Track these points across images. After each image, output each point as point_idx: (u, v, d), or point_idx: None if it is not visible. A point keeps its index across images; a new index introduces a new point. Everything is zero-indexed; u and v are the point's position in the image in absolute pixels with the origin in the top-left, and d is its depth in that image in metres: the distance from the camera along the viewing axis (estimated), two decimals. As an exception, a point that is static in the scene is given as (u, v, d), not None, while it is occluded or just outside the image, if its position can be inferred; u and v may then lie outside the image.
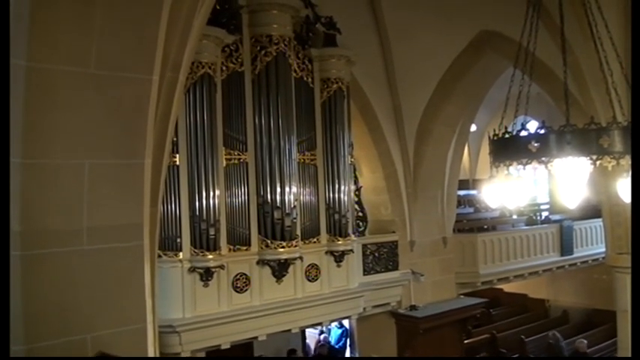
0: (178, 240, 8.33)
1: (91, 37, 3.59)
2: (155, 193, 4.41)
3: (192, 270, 8.41)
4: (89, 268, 3.82)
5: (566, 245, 15.48)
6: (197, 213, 8.38)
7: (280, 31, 9.17)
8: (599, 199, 10.00)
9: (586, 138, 4.91)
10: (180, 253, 8.35)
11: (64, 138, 3.66)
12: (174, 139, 8.08)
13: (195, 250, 8.38)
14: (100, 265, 3.87)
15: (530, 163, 5.15)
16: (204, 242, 8.39)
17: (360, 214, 11.26)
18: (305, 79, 9.90)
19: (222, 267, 8.67)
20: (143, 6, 3.74)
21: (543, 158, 5.04)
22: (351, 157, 10.54)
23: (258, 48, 9.11)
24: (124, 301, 4.01)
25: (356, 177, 11.13)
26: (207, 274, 8.48)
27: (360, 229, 11.19)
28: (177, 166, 8.35)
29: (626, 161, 5.33)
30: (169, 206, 8.25)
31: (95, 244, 3.84)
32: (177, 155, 8.35)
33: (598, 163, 5.10)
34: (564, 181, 5.33)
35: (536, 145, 4.95)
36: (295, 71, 9.66)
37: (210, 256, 8.45)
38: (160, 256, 7.80)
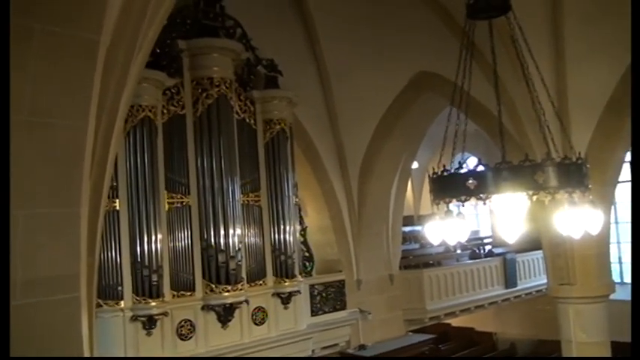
0: (119, 288, 8.11)
1: (24, 84, 3.51)
2: (92, 242, 4.28)
3: (134, 319, 8.17)
4: (22, 324, 3.65)
5: (510, 278, 15.75)
6: (139, 259, 8.19)
7: (221, 74, 9.20)
8: (538, 232, 10.23)
9: (521, 174, 5.03)
10: (122, 302, 8.13)
11: (-6, 188, 3.52)
12: (114, 183, 7.93)
13: (138, 298, 8.17)
14: (35, 320, 3.70)
15: (468, 199, 5.24)
16: (146, 289, 8.19)
17: (307, 254, 11.21)
18: (247, 120, 9.92)
19: (165, 314, 8.46)
20: (78, 53, 3.68)
21: (481, 195, 5.14)
22: (296, 197, 10.56)
23: (200, 90, 9.11)
24: (61, 357, 3.84)
25: (301, 217, 11.10)
26: (150, 323, 8.25)
27: (307, 270, 11.12)
28: (117, 212, 8.18)
29: (562, 195, 5.50)
30: (109, 253, 8.05)
31: (29, 297, 3.68)
32: (117, 200, 8.19)
33: (534, 197, 5.23)
34: (503, 216, 5.44)
35: (473, 182, 5.04)
36: (237, 113, 9.68)
37: (153, 304, 8.24)
38: (100, 305, 7.56)
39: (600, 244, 9.43)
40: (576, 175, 5.32)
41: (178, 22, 9.14)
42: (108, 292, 8.03)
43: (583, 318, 9.79)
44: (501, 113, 5.90)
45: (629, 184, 7.38)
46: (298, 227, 10.62)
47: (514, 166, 5.10)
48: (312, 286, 11.20)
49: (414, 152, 14.31)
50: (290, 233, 10.00)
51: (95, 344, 4.36)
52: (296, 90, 10.48)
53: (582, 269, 9.74)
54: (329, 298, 11.48)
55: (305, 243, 11.17)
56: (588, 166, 5.53)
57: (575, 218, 5.88)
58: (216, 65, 9.18)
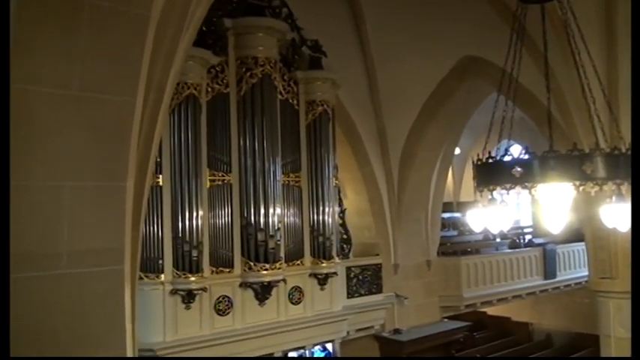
0: (160, 262, 8.24)
1: (74, 58, 3.55)
2: (137, 216, 4.34)
3: (174, 292, 8.31)
4: (67, 293, 3.73)
5: (549, 269, 15.52)
6: (180, 234, 8.31)
7: (266, 54, 9.20)
8: (581, 224, 10.03)
9: (569, 164, 4.94)
10: (162, 275, 8.27)
11: (45, 160, 3.60)
12: (158, 159, 8.03)
13: (178, 272, 8.30)
14: (79, 290, 3.78)
15: (513, 188, 5.17)
16: (186, 264, 8.31)
17: (345, 236, 11.22)
18: (290, 101, 9.92)
19: (204, 289, 8.58)
20: (128, 28, 3.71)
21: (527, 183, 5.06)
22: (336, 179, 10.54)
23: (244, 69, 9.13)
24: (103, 327, 3.92)
25: (340, 199, 11.10)
26: (189, 297, 8.39)
27: (344, 252, 11.14)
28: (161, 187, 8.29)
29: (609, 187, 5.37)
30: (152, 227, 8.17)
31: (74, 268, 3.75)
32: (161, 176, 8.30)
33: (581, 188, 5.12)
34: (548, 206, 5.35)
35: (519, 170, 4.96)
36: (281, 93, 9.68)
37: (193, 278, 8.36)
38: (140, 278, 7.70)
39: (645, 238, 9.18)
40: (625, 166, 5.18)
41: (225, 1, 9.13)
42: (149, 266, 8.18)
43: (623, 313, 9.58)
44: (550, 101, 5.77)
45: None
46: (337, 209, 10.63)
47: (561, 156, 5.01)
48: (348, 269, 11.23)
49: (456, 139, 14.16)
50: (329, 215, 10.02)
51: (136, 316, 4.44)
52: (340, 72, 10.42)
53: (625, 263, 9.52)
54: (365, 281, 11.51)
55: (343, 225, 11.17)
56: (639, 157, 5.38)
57: (622, 211, 5.74)
58: (261, 45, 9.18)
